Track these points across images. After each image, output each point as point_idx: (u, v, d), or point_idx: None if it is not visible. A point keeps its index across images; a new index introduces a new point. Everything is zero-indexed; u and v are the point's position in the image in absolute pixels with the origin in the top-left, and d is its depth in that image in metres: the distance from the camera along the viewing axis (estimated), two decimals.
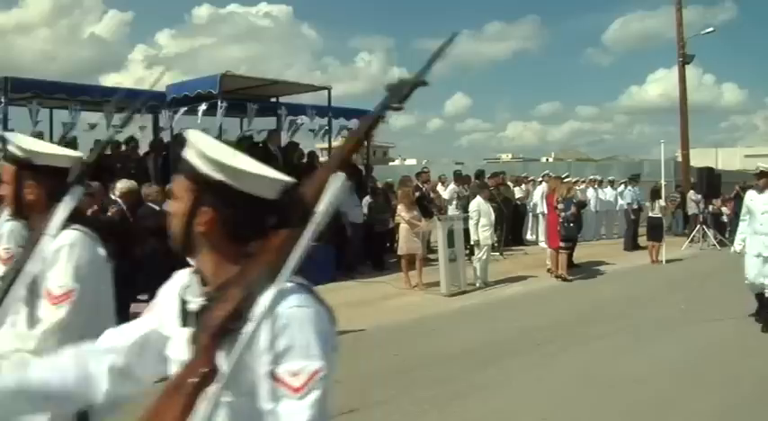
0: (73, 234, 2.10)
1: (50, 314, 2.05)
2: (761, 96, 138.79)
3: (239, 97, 10.24)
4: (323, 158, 13.87)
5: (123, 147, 10.00)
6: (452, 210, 12.11)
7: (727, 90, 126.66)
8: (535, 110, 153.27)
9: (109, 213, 6.58)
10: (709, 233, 15.39)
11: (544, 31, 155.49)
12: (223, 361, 1.23)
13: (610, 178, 18.01)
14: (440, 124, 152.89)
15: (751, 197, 7.06)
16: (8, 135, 2.39)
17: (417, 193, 11.66)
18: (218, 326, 1.25)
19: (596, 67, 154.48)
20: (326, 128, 11.16)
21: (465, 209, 10.99)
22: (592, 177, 17.38)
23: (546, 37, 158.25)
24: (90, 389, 1.44)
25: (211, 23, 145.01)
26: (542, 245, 12.24)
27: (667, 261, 12.43)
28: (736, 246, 7.25)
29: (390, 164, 45.44)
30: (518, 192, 15.22)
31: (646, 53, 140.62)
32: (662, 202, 13.05)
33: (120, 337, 1.49)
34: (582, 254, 12.35)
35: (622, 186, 16.11)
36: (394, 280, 10.18)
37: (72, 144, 8.98)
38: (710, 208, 16.21)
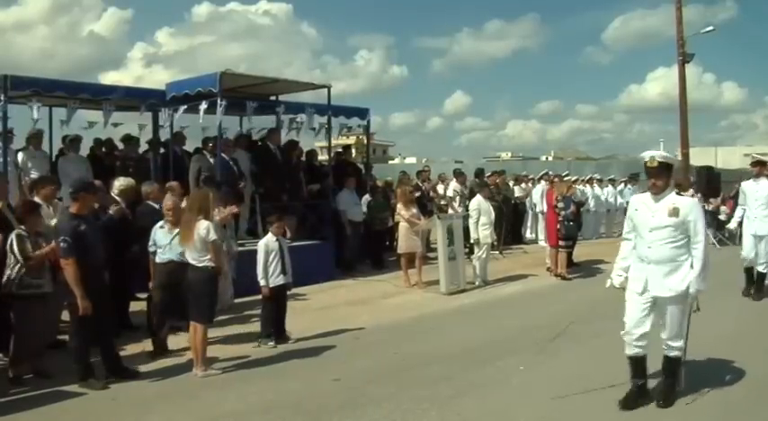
0: None
1: None
2: (761, 95, 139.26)
3: (239, 95, 10.21)
4: (322, 157, 13.88)
5: (122, 146, 10.01)
6: (458, 208, 12.06)
7: (726, 89, 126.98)
8: (535, 108, 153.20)
9: (110, 212, 6.57)
10: (709, 232, 15.34)
11: (544, 29, 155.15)
12: None
13: (610, 177, 18.00)
14: (439, 122, 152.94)
15: (636, 206, 4.84)
16: None
17: (418, 193, 11.66)
18: None
19: (596, 65, 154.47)
20: (326, 126, 11.15)
21: (466, 207, 10.99)
22: (591, 176, 17.40)
23: (546, 35, 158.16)
24: None
25: (211, 22, 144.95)
26: (542, 243, 12.24)
27: None
28: (615, 280, 4.90)
29: (390, 162, 45.60)
30: (517, 191, 15.23)
31: (645, 52, 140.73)
32: None
33: None
34: (581, 252, 12.35)
35: (622, 185, 16.10)
36: (393, 278, 10.20)
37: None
38: (709, 207, 16.19)
